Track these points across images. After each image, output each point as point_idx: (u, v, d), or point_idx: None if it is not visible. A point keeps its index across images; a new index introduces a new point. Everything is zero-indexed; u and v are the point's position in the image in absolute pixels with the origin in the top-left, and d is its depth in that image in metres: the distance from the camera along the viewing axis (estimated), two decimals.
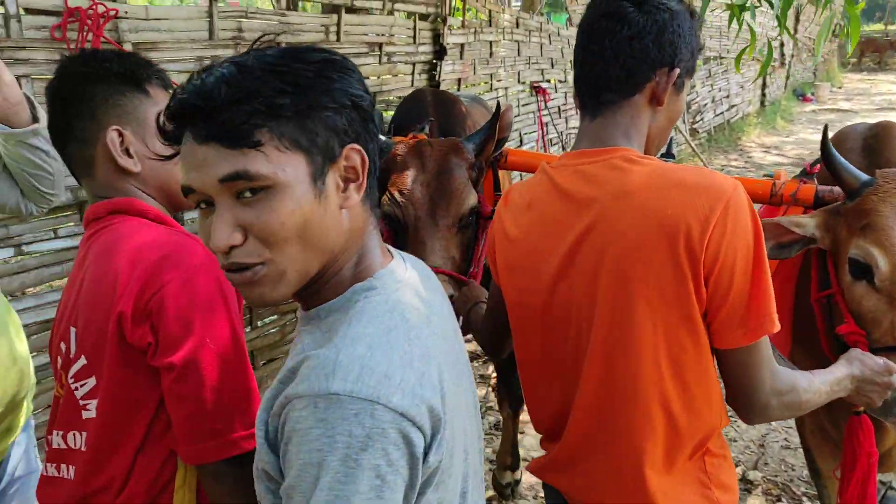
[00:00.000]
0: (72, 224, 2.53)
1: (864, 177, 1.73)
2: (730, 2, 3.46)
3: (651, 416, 1.25)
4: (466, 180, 2.24)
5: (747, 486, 3.21)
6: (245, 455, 1.16)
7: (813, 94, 16.89)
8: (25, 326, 2.05)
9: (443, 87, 4.46)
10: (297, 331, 1.02)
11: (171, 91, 1.38)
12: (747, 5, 3.42)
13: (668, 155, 2.56)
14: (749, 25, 3.59)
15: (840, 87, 19.01)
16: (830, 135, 1.85)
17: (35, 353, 2.38)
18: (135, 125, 1.31)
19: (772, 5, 3.23)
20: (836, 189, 1.84)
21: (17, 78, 2.28)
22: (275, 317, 3.59)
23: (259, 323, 3.49)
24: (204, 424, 1.16)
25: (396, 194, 2.21)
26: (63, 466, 1.28)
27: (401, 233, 2.24)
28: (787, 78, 16.14)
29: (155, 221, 1.29)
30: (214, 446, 1.16)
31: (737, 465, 3.32)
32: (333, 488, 0.78)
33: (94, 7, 2.40)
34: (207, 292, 1.18)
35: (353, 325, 0.88)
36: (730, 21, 3.62)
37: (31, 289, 2.58)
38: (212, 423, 1.16)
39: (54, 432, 1.31)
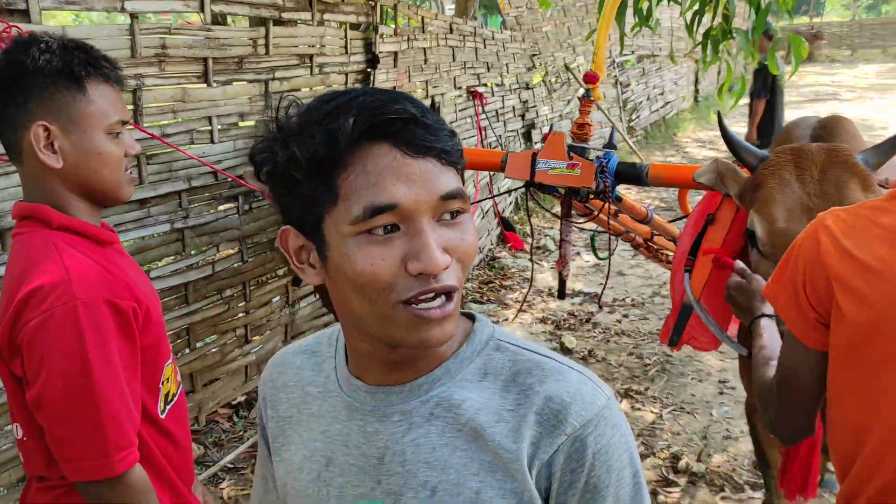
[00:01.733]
0: None
1: (761, 153, 1.89)
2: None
3: None
4: None
5: (692, 478, 3.28)
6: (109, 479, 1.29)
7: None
8: None
9: None
10: (398, 411, 0.90)
11: (116, 84, 1.40)
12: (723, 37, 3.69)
13: (611, 146, 2.61)
14: (728, 63, 3.91)
15: None
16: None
17: None
18: (64, 121, 1.32)
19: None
20: None
21: None
22: (214, 336, 3.53)
23: (198, 344, 3.42)
24: (59, 451, 1.29)
25: None
26: (20, 452, 1.42)
27: None
28: (719, 73, 16.56)
29: (59, 230, 1.33)
30: (71, 469, 1.29)
31: (680, 459, 3.39)
32: (637, 472, 0.88)
33: (7, 31, 2.32)
34: (62, 331, 1.24)
35: (535, 354, 0.92)
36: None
37: None
38: (64, 450, 1.29)
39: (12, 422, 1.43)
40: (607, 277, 2.84)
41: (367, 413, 0.91)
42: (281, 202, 0.87)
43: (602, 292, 2.88)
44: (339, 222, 0.80)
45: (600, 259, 3.15)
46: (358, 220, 0.78)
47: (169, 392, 1.47)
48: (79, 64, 1.34)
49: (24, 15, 2.43)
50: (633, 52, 11.37)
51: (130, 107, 2.86)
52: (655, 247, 3.40)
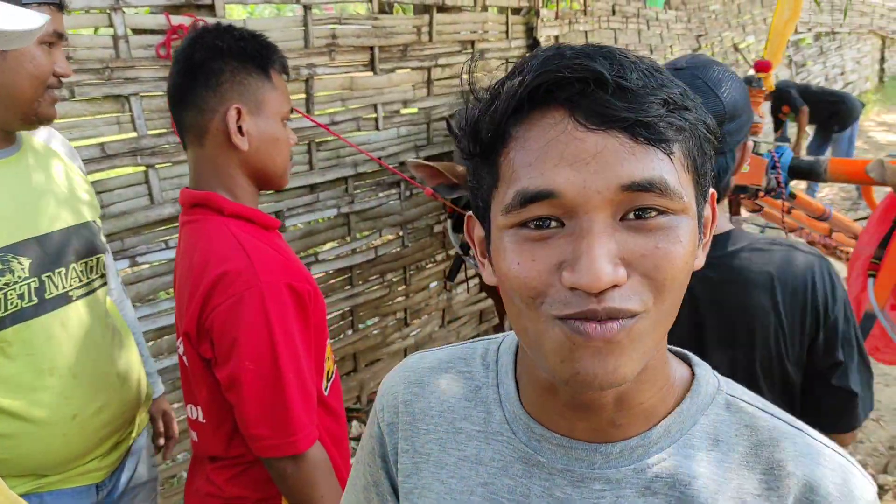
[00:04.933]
0: None
1: None
2: None
3: None
4: None
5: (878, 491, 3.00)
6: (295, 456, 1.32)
7: None
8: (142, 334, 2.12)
9: None
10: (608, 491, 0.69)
11: (286, 75, 1.46)
12: None
13: (783, 139, 2.44)
14: None
15: None
16: None
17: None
18: (252, 105, 1.37)
19: None
20: None
21: (128, 97, 2.39)
22: (376, 319, 3.62)
23: (360, 325, 3.53)
24: (248, 429, 1.33)
25: None
26: (193, 433, 1.48)
27: None
28: None
29: (232, 216, 1.37)
30: (258, 448, 1.33)
31: (865, 467, 3.11)
32: None
33: (195, 24, 2.47)
34: (251, 314, 1.27)
35: (778, 419, 0.71)
36: None
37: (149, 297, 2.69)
38: (253, 429, 1.32)
39: (186, 403, 1.50)
40: None
41: (556, 472, 0.70)
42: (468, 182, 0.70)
43: None
44: (497, 210, 0.63)
45: None
46: (509, 208, 0.61)
47: (329, 370, 1.51)
48: (267, 52, 1.40)
49: (210, 9, 2.57)
50: (809, 30, 10.57)
51: (303, 95, 2.98)
52: (834, 244, 3.15)
